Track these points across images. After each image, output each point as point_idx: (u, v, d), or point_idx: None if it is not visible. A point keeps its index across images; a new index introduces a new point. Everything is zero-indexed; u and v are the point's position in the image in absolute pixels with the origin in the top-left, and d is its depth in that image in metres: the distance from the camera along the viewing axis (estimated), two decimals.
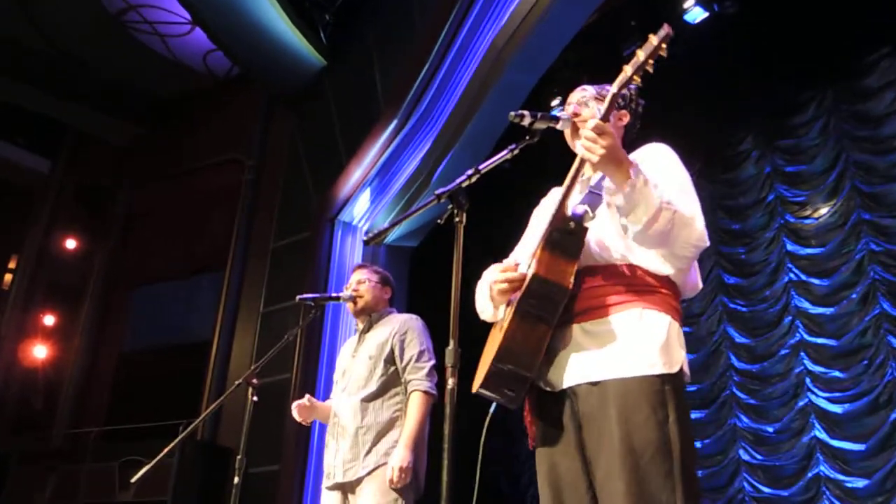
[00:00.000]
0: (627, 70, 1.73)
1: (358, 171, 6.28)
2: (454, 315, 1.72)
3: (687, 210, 1.79)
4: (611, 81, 1.79)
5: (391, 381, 3.16)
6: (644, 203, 1.71)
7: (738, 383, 6.04)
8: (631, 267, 1.87)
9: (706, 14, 5.89)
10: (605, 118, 1.76)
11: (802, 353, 5.75)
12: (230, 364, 6.63)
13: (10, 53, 7.84)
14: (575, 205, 1.88)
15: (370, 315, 3.34)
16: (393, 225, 2.09)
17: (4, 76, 7.99)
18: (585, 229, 1.84)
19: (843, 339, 5.60)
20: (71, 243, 8.61)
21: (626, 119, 2.08)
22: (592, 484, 1.79)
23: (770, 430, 5.78)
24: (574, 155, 1.96)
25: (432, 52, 5.69)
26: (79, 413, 7.65)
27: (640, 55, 1.71)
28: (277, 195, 7.13)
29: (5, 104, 8.38)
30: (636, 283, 1.85)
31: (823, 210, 5.97)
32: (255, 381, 3.13)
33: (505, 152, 1.91)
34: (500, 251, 2.19)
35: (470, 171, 1.84)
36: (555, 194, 2.13)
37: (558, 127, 1.99)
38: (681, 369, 1.82)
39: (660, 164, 1.92)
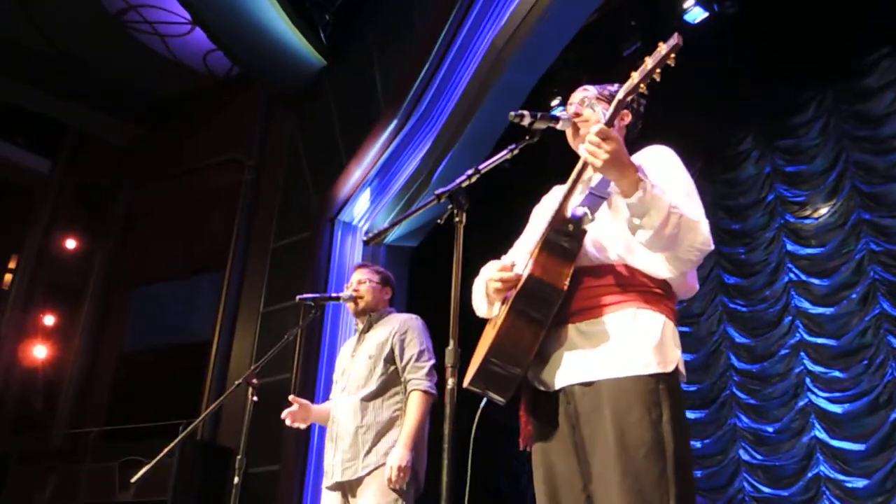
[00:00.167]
0: (635, 77, 1.73)
1: (358, 171, 6.28)
2: (454, 315, 1.72)
3: (693, 214, 1.79)
4: (611, 81, 1.79)
5: (391, 380, 3.16)
6: (655, 209, 1.70)
7: (738, 383, 6.04)
8: (627, 268, 1.87)
9: (706, 14, 5.89)
10: (609, 123, 1.75)
11: (802, 353, 5.75)
12: (230, 364, 6.63)
13: (10, 53, 7.84)
14: (575, 206, 1.88)
15: (370, 315, 3.34)
16: (393, 225, 2.09)
17: (4, 76, 7.99)
18: (584, 232, 1.84)
19: (843, 339, 5.60)
20: (71, 243, 8.61)
21: (628, 119, 2.08)
22: (587, 485, 1.79)
23: (770, 430, 5.79)
24: (575, 155, 1.96)
25: (432, 52, 5.69)
26: (79, 413, 7.65)
27: (649, 63, 1.70)
28: (277, 195, 7.13)
29: (5, 104, 8.38)
30: (631, 284, 1.85)
31: (823, 210, 5.97)
32: (255, 381, 3.12)
33: (505, 152, 1.91)
34: (500, 251, 2.19)
35: (470, 171, 1.84)
36: (556, 192, 2.13)
37: (558, 127, 1.99)
38: (676, 369, 1.82)
39: (664, 167, 1.92)
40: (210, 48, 7.57)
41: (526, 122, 1.88)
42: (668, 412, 1.74)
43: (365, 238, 6.26)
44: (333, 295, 3.53)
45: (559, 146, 2.13)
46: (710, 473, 5.93)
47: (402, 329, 3.22)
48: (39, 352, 8.05)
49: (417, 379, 3.12)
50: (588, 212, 1.85)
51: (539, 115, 1.90)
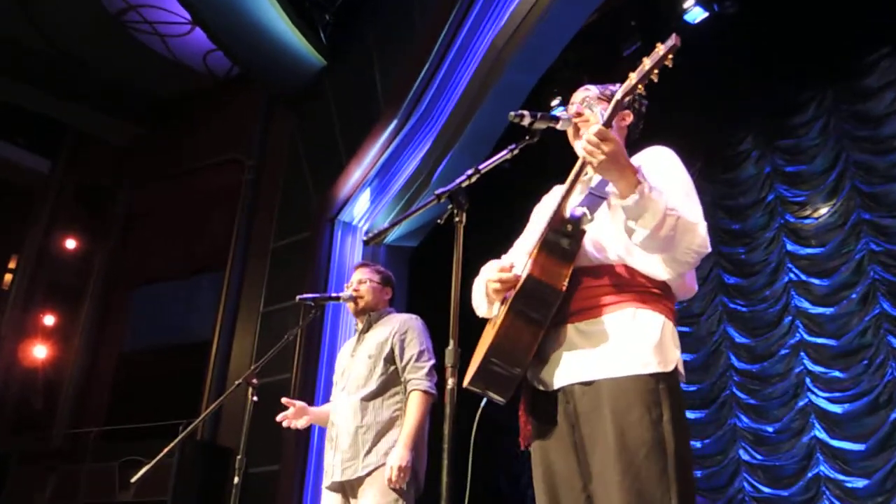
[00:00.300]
0: (633, 78, 1.73)
1: (358, 171, 6.29)
2: (454, 315, 1.72)
3: (691, 216, 1.79)
4: (611, 81, 1.79)
5: (391, 380, 3.16)
6: (651, 211, 1.71)
7: (738, 383, 6.04)
8: (626, 268, 1.87)
9: (706, 14, 5.89)
10: (607, 124, 1.75)
11: (802, 353, 5.75)
12: (230, 364, 6.63)
13: (10, 53, 7.84)
14: (574, 206, 1.88)
15: (370, 315, 3.34)
16: (393, 225, 2.09)
17: (4, 76, 7.99)
18: (583, 232, 1.84)
19: (843, 339, 5.60)
20: (71, 243, 8.61)
21: (629, 119, 2.08)
22: (587, 484, 1.79)
23: (770, 430, 5.78)
24: (575, 155, 1.96)
25: (432, 52, 5.69)
26: (79, 413, 7.65)
27: (646, 63, 1.70)
28: (277, 195, 7.13)
29: (5, 104, 8.38)
30: (631, 285, 1.85)
31: (823, 210, 5.97)
32: (254, 381, 3.12)
33: (505, 152, 1.91)
34: (500, 251, 2.19)
35: (470, 171, 1.84)
36: (557, 192, 2.13)
37: (559, 127, 1.99)
38: (675, 369, 1.82)
39: (664, 168, 1.92)
40: (210, 48, 7.57)
41: (526, 122, 1.88)
42: (668, 412, 1.74)
43: (365, 238, 6.26)
44: (333, 295, 3.53)
45: (559, 146, 2.12)
46: (710, 473, 5.93)
47: (402, 329, 3.22)
48: (39, 352, 8.05)
49: (417, 379, 3.11)
50: (587, 212, 1.85)
51: (539, 115, 1.90)
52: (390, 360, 3.18)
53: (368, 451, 3.03)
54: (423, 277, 6.33)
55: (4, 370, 8.08)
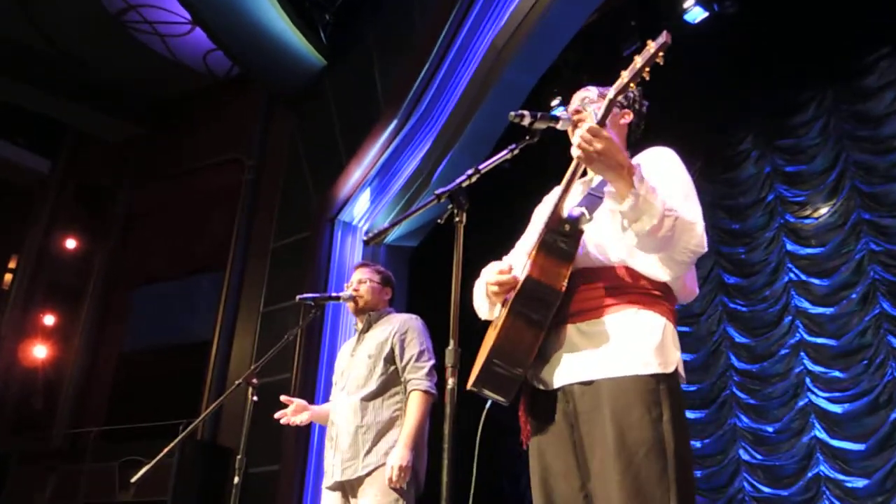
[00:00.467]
0: (624, 76, 1.73)
1: (358, 171, 6.29)
2: (454, 315, 1.72)
3: (689, 216, 1.79)
4: (612, 82, 1.79)
5: (391, 380, 3.16)
6: (649, 212, 1.70)
7: (738, 383, 6.04)
8: (628, 270, 1.87)
9: (706, 14, 5.89)
10: (601, 122, 1.75)
11: (802, 353, 5.75)
12: (230, 364, 6.63)
13: (10, 53, 7.84)
14: (572, 207, 1.88)
15: (369, 315, 3.34)
16: (393, 225, 2.09)
17: (4, 76, 7.99)
18: (581, 232, 1.84)
19: (843, 339, 5.60)
20: (71, 243, 8.61)
21: (630, 118, 2.08)
22: (585, 483, 1.79)
23: (770, 429, 5.78)
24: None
25: (432, 52, 5.69)
26: (79, 413, 7.65)
27: (638, 62, 1.70)
28: (277, 195, 7.13)
29: (5, 104, 8.38)
30: (632, 286, 1.85)
31: (823, 210, 5.97)
32: (255, 381, 3.13)
33: (505, 152, 1.91)
34: (500, 251, 2.19)
35: (470, 171, 1.84)
36: (558, 192, 2.13)
37: (558, 127, 1.98)
38: (676, 370, 1.82)
39: (664, 169, 1.92)
40: (210, 48, 7.57)
41: (526, 122, 1.88)
42: (668, 412, 1.74)
43: (365, 238, 6.26)
44: (333, 295, 3.53)
45: (559, 146, 2.12)
46: (710, 473, 5.93)
47: (402, 329, 3.22)
48: (39, 352, 8.04)
49: (417, 379, 3.12)
50: (585, 212, 1.85)
51: (539, 115, 1.89)
52: (390, 360, 3.18)
53: (368, 451, 3.03)
54: (423, 277, 6.33)
55: (4, 370, 8.08)
